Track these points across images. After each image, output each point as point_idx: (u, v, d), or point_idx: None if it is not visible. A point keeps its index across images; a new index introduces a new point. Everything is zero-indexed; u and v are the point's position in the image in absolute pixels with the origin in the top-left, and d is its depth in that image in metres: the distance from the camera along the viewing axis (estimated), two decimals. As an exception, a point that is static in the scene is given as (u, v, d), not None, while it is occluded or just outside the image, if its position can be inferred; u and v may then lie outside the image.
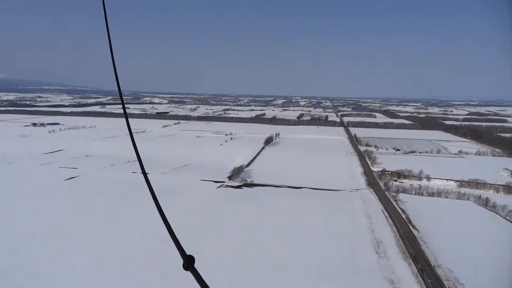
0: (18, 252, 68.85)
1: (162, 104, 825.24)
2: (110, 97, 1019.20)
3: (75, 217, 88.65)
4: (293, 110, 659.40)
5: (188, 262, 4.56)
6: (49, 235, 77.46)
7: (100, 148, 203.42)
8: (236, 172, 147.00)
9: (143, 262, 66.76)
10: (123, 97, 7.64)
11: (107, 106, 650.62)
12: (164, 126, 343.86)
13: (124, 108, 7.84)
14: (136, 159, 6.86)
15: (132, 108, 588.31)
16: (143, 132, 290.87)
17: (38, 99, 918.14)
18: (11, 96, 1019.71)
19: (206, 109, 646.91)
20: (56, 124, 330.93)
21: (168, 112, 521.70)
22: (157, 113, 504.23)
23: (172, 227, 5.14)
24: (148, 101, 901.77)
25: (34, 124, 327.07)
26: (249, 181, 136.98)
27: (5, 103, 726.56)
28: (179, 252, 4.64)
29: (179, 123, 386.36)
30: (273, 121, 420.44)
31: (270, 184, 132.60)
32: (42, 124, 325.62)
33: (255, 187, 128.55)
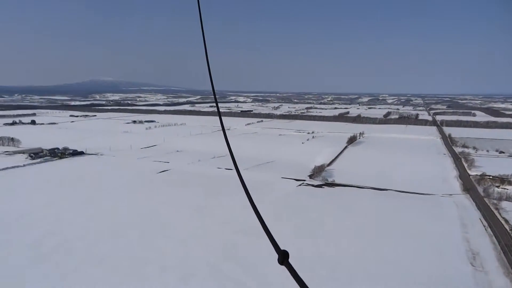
0: (107, 235, 77.39)
1: (246, 102, 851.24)
2: (199, 96, 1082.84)
3: (165, 207, 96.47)
4: (379, 108, 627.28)
5: (283, 257, 4.58)
6: (144, 221, 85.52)
7: (189, 144, 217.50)
8: (317, 171, 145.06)
9: (224, 253, 69.82)
10: (211, 96, 8.19)
11: (196, 105, 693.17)
12: (248, 124, 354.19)
13: (217, 107, 8.37)
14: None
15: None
16: (227, 129, 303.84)
17: (138, 99, 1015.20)
18: (116, 97, 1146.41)
19: (288, 107, 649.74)
20: (152, 121, 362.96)
21: (252, 111, 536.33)
22: (241, 111, 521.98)
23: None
24: (233, 100, 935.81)
25: (134, 122, 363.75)
26: (330, 180, 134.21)
27: (111, 102, 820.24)
28: (274, 247, 4.73)
29: (262, 121, 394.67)
30: (357, 119, 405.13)
31: (353, 184, 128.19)
32: (141, 122, 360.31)
33: (336, 187, 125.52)
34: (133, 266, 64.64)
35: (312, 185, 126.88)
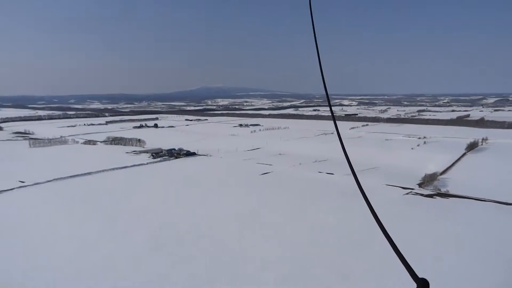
0: (212, 230, 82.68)
1: (351, 106, 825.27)
2: (302, 100, 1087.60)
3: (266, 207, 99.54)
4: (509, 111, 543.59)
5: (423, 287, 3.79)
6: (244, 220, 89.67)
7: (291, 147, 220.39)
8: (428, 180, 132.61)
9: (323, 261, 68.88)
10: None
11: (300, 109, 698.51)
12: (352, 128, 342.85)
13: (331, 111, 8.29)
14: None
15: (322, 110, 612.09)
16: (331, 134, 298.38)
17: (245, 104, 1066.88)
18: (226, 102, 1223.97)
19: (397, 110, 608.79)
20: (256, 125, 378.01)
21: (357, 114, 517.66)
22: (345, 115, 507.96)
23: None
24: (338, 103, 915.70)
25: (241, 125, 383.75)
26: (443, 190, 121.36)
27: (221, 107, 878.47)
28: (410, 274, 3.96)
29: (367, 125, 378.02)
30: (480, 123, 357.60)
31: (471, 196, 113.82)
32: (246, 125, 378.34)
33: (450, 198, 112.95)
34: (232, 261, 68.33)
35: (422, 195, 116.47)
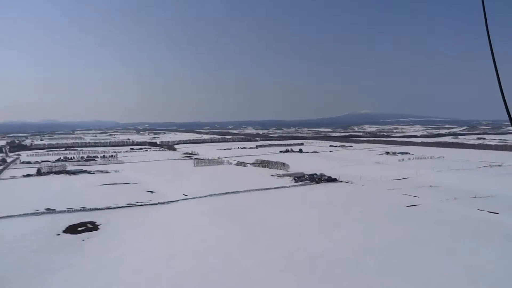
0: (347, 260, 79.53)
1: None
2: (464, 127, 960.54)
3: (408, 244, 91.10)
4: None
5: None
6: (382, 255, 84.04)
7: (445, 179, 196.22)
8: None
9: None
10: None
11: (460, 137, 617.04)
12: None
13: None
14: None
15: (488, 139, 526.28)
16: (498, 166, 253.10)
17: (394, 130, 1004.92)
18: (373, 128, 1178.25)
19: None
20: (406, 153, 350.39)
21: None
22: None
23: None
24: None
25: (387, 153, 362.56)
26: None
27: (368, 134, 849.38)
28: None
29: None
30: None
31: None
32: (394, 153, 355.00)
33: None
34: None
35: None
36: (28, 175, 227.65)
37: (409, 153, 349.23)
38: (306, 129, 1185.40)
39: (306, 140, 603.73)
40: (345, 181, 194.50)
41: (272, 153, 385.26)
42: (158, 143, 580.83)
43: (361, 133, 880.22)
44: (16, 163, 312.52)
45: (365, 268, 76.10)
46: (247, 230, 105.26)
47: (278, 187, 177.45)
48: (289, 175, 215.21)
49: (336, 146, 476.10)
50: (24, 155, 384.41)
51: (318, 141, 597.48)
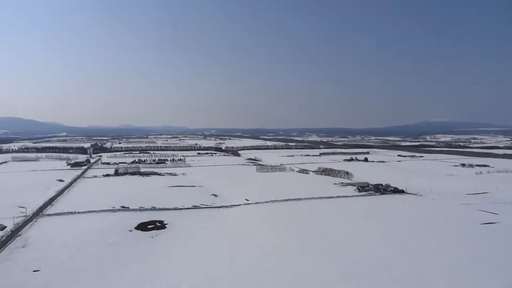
0: (421, 280, 75.25)
1: None
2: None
3: (481, 264, 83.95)
4: None
5: None
6: (451, 275, 78.44)
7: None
8: None
9: None
10: None
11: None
12: None
13: None
14: None
15: None
16: None
17: (472, 141, 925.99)
18: (448, 138, 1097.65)
19: None
20: (485, 166, 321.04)
21: None
22: None
23: None
24: None
25: (463, 165, 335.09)
26: None
27: (441, 144, 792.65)
28: None
29: None
30: None
31: None
32: (471, 165, 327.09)
33: None
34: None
35: None
36: (107, 175, 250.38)
37: (489, 166, 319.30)
38: (372, 138, 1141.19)
39: (372, 149, 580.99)
40: (413, 193, 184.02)
41: (335, 161, 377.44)
42: (223, 148, 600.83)
43: (433, 143, 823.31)
44: (98, 164, 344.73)
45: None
46: (306, 238, 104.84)
47: (340, 196, 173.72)
48: (353, 185, 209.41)
49: (404, 156, 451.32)
50: (105, 157, 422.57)
51: (385, 150, 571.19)
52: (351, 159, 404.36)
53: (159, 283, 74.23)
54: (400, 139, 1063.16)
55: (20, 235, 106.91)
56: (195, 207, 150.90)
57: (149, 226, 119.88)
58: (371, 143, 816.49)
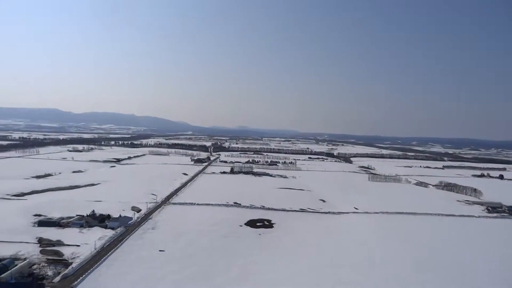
0: None
1: None
2: None
3: None
4: None
5: None
6: None
7: None
8: None
9: None
10: None
11: None
12: None
13: None
14: None
15: None
16: None
17: None
18: None
19: None
20: None
21: None
22: None
23: None
24: None
25: None
26: None
27: None
28: None
29: None
30: None
31: None
32: None
33: None
34: None
35: None
36: (224, 172, 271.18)
37: None
38: (511, 152, 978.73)
39: (510, 165, 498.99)
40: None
41: (461, 176, 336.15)
42: (335, 154, 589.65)
43: None
44: (216, 161, 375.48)
45: None
46: (416, 256, 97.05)
47: (464, 216, 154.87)
48: (481, 204, 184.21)
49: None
50: (223, 155, 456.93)
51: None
52: (482, 175, 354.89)
53: (264, 277, 78.09)
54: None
55: (151, 218, 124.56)
56: (302, 210, 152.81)
57: (258, 224, 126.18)
58: (510, 158, 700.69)
